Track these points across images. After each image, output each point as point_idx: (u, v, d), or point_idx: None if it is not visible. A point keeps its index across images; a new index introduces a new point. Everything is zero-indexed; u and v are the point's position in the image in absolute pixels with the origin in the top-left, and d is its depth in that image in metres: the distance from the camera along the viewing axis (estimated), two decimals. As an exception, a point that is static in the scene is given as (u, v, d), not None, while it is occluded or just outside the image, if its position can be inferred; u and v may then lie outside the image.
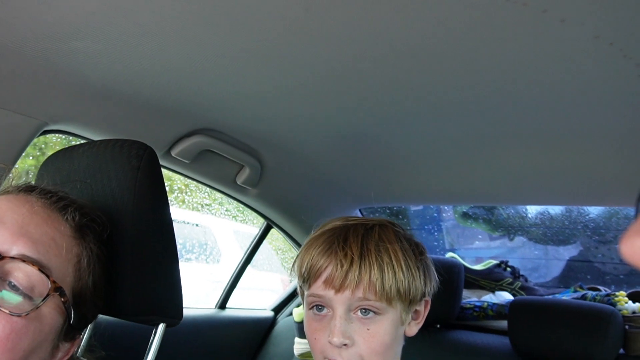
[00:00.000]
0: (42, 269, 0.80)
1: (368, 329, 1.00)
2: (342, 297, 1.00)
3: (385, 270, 1.00)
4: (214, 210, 4.66)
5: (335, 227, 1.08)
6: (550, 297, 2.10)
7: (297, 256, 1.09)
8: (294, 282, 2.63)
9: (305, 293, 1.07)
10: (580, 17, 0.85)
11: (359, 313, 1.01)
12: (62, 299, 0.83)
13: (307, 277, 1.05)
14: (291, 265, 1.13)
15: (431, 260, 1.12)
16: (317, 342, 1.03)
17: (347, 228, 1.06)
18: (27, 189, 0.90)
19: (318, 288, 1.02)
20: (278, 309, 2.56)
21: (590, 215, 2.75)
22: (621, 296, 1.83)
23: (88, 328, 1.11)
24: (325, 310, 1.03)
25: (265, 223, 2.29)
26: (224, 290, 2.36)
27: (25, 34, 1.09)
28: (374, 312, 1.00)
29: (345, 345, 0.98)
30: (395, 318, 1.02)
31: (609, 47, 0.92)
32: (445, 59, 1.05)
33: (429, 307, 1.12)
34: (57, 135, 1.47)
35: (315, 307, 1.05)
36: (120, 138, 1.10)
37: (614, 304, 1.78)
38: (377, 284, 0.99)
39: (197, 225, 4.65)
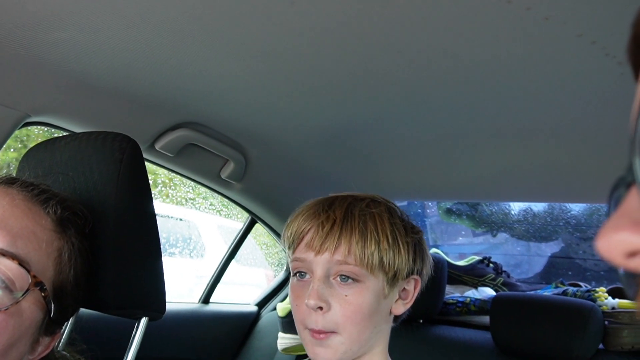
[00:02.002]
0: (22, 263, 0.79)
1: (346, 295, 0.97)
2: (321, 260, 0.97)
3: (368, 237, 0.97)
4: (199, 205, 4.65)
5: (324, 197, 1.06)
6: (531, 293, 2.12)
7: (286, 224, 1.07)
8: (278, 277, 2.63)
9: (290, 259, 1.05)
10: (563, 15, 0.86)
11: (338, 279, 0.98)
12: (43, 294, 0.82)
13: (292, 242, 1.03)
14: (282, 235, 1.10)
15: (426, 246, 1.09)
16: (298, 309, 1.00)
17: (336, 196, 1.05)
18: (8, 182, 0.89)
19: (300, 251, 1.01)
20: (262, 304, 2.55)
21: (572, 212, 2.78)
22: (601, 292, 1.85)
23: (69, 321, 1.10)
24: (307, 277, 1.01)
25: (250, 218, 2.28)
26: (208, 284, 2.35)
27: (7, 24, 1.08)
28: (354, 280, 0.97)
29: (321, 309, 0.95)
30: (377, 289, 0.99)
31: (592, 46, 0.93)
32: (430, 55, 1.05)
33: (419, 287, 1.07)
34: (39, 127, 1.45)
35: (298, 274, 1.02)
36: (104, 130, 1.09)
37: (594, 300, 1.80)
38: (358, 249, 0.96)
39: (181, 219, 4.62)
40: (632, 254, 0.30)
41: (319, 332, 0.96)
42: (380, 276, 0.99)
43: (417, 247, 1.05)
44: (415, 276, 1.05)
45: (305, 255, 0.99)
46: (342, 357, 0.97)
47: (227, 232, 4.56)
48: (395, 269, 0.99)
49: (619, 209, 0.31)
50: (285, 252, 1.08)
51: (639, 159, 0.29)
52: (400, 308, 1.05)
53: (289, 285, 1.06)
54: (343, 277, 0.97)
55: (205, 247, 4.70)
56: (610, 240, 0.30)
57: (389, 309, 1.03)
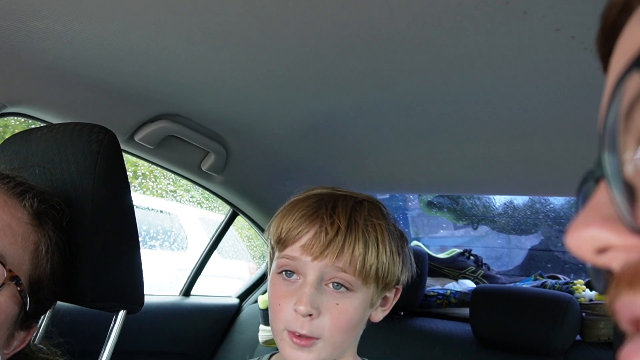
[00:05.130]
0: None
1: (337, 304, 0.94)
2: (319, 265, 0.93)
3: (370, 248, 0.94)
4: (180, 197, 4.62)
5: (323, 194, 1.01)
6: (511, 285, 2.14)
7: (275, 216, 1.01)
8: (260, 270, 2.62)
9: (277, 254, 0.99)
10: (541, 10, 0.86)
11: (330, 285, 0.94)
12: (18, 288, 0.81)
13: (285, 239, 0.97)
14: (267, 227, 1.04)
15: (410, 253, 1.07)
16: (281, 310, 0.95)
17: (337, 197, 1.00)
18: (-17, 174, 0.88)
19: (294, 251, 0.95)
20: (243, 297, 2.55)
21: (551, 206, 2.81)
22: (579, 284, 1.88)
23: (46, 315, 1.09)
24: (294, 276, 0.96)
25: (231, 210, 2.28)
26: (189, 277, 2.34)
27: (-19, 13, 1.06)
28: (347, 288, 0.94)
29: (310, 315, 0.92)
30: (367, 299, 0.97)
31: (570, 40, 0.93)
32: (410, 47, 1.05)
33: (398, 295, 1.06)
34: (17, 118, 1.43)
35: (284, 272, 0.97)
36: (80, 122, 1.08)
37: (572, 292, 1.82)
38: (359, 260, 0.93)
39: (161, 211, 4.59)
40: (601, 250, 0.30)
41: (301, 337, 0.93)
42: (372, 287, 0.97)
43: (404, 257, 1.03)
44: (399, 286, 1.04)
45: (301, 256, 0.94)
46: None
47: (209, 225, 4.54)
48: (387, 280, 0.98)
49: (588, 204, 0.31)
50: (268, 245, 1.04)
51: (608, 153, 0.29)
52: (379, 315, 1.04)
53: (269, 281, 1.02)
54: (336, 284, 0.94)
55: (188, 240, 4.67)
56: (579, 236, 0.30)
57: (369, 316, 1.02)
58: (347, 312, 0.94)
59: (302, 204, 0.99)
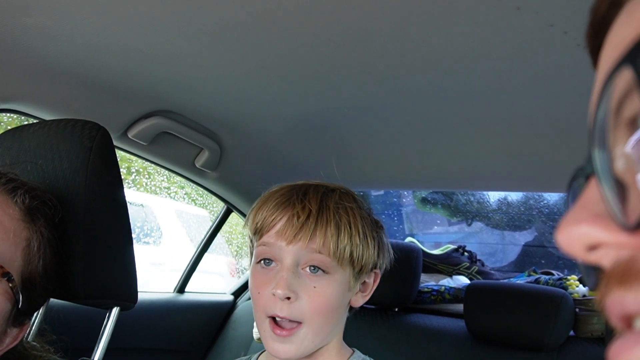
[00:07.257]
0: None
1: (315, 287, 0.96)
2: (293, 249, 0.96)
3: (342, 230, 0.97)
4: (154, 188, 4.57)
5: (295, 184, 1.05)
6: (504, 281, 2.15)
7: (252, 209, 1.04)
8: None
9: (255, 244, 1.02)
10: (535, 5, 0.86)
11: (307, 269, 0.97)
12: (10, 285, 0.81)
13: (260, 228, 1.00)
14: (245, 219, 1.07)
15: (388, 240, 1.10)
16: (260, 297, 0.98)
17: (308, 185, 1.03)
18: (-26, 170, 0.87)
19: (270, 237, 0.98)
20: (238, 293, 2.55)
21: (545, 202, 2.81)
22: (573, 280, 1.88)
23: (39, 312, 1.09)
24: (273, 264, 0.99)
25: (225, 207, 2.27)
26: (183, 273, 2.34)
27: (-28, 9, 1.05)
28: (323, 271, 0.97)
29: (288, 299, 0.94)
30: (344, 281, 0.99)
31: (563, 36, 0.93)
32: (404, 44, 1.05)
33: (378, 280, 1.08)
34: (9, 115, 1.43)
35: (263, 261, 1.00)
36: (73, 118, 1.07)
37: (565, 288, 1.82)
38: (332, 241, 0.95)
39: (142, 205, 4.46)
40: (591, 248, 0.30)
41: (283, 325, 0.95)
42: (348, 269, 0.99)
43: (380, 242, 1.05)
44: (377, 270, 1.06)
45: (276, 242, 0.97)
46: (303, 352, 0.97)
47: (185, 218, 4.43)
48: (363, 263, 1.00)
49: (579, 201, 0.31)
50: (249, 237, 1.06)
51: (598, 150, 0.29)
52: (359, 300, 1.05)
53: (250, 271, 1.04)
54: (313, 267, 0.97)
55: (162, 233, 4.51)
56: (570, 233, 0.30)
57: (349, 301, 1.04)
58: (325, 294, 0.97)
59: (276, 194, 1.02)
